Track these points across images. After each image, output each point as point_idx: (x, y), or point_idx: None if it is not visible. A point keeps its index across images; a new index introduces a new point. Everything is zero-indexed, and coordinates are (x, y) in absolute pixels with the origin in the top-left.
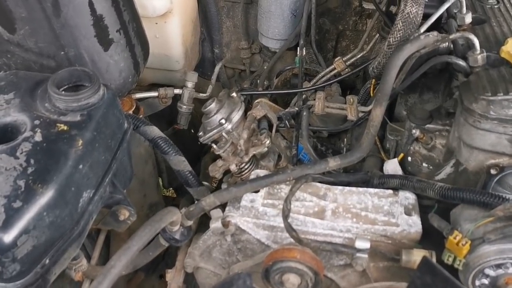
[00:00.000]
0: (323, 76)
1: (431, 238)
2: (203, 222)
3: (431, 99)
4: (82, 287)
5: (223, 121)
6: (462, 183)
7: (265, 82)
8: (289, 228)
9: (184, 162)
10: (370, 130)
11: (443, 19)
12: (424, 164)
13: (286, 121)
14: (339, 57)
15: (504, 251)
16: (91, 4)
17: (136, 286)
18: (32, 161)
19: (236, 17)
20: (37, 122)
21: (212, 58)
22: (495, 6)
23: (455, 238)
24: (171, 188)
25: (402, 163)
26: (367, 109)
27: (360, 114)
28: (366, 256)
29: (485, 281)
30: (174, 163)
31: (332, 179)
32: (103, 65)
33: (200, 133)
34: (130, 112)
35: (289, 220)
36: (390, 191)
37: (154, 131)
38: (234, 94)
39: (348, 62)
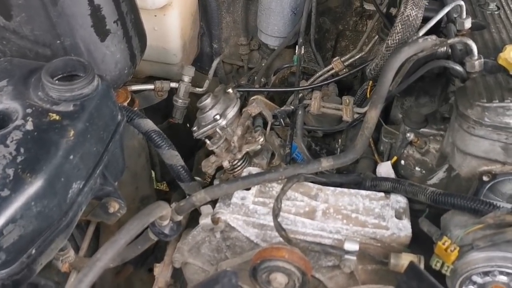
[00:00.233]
0: (320, 76)
1: (420, 242)
2: (194, 217)
3: (427, 103)
4: (69, 278)
5: (217, 116)
6: (454, 188)
7: (262, 79)
8: (279, 227)
9: (177, 157)
10: (365, 132)
11: (442, 23)
12: (417, 168)
13: (281, 120)
14: (337, 57)
15: (492, 259)
16: None
17: (124, 279)
18: (22, 150)
19: (236, 12)
20: (29, 110)
21: (210, 52)
22: (496, 12)
23: (444, 243)
24: (164, 182)
25: (395, 166)
26: (362, 110)
27: (356, 116)
28: (354, 258)
29: None
30: (167, 157)
31: (325, 179)
32: (99, 55)
33: (194, 128)
34: (125, 104)
35: (279, 219)
36: (382, 194)
37: (148, 124)
38: (230, 90)
39: (346, 63)
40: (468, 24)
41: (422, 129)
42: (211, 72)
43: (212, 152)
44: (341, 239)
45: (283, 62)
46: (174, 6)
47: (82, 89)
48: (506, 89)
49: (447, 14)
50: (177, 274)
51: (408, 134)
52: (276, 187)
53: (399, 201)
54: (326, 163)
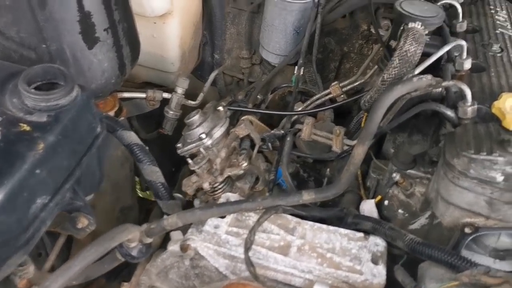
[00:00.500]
0: (317, 99)
1: None
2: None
3: (419, 141)
4: None
5: (203, 135)
6: (435, 237)
7: (258, 97)
8: (248, 262)
9: (157, 173)
10: (350, 168)
11: (442, 61)
12: (400, 211)
13: (269, 143)
14: (336, 82)
15: None
16: (79, 0)
17: None
18: None
19: (241, 24)
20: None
21: (212, 62)
22: (498, 55)
23: None
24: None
25: (379, 205)
26: (352, 143)
27: (345, 147)
28: None
29: None
30: (147, 173)
31: (304, 213)
32: (86, 63)
33: (179, 145)
34: (112, 112)
35: (252, 252)
36: (361, 235)
37: (131, 136)
38: (220, 108)
39: (345, 88)
40: (467, 65)
41: (409, 170)
42: (207, 85)
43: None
44: (313, 279)
45: (285, 79)
46: (174, 15)
47: (58, 99)
48: (495, 141)
49: (448, 52)
50: None
51: (394, 174)
52: (253, 217)
53: (378, 244)
54: (307, 196)
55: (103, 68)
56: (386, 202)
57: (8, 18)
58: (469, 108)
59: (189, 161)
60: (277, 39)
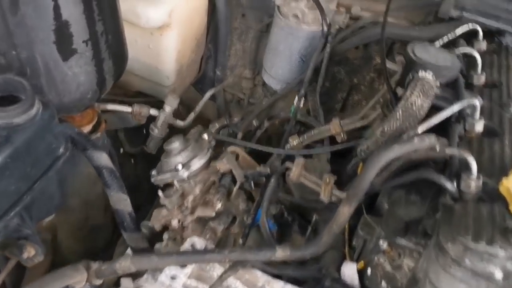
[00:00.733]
0: (314, 135)
1: None
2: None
3: (417, 203)
4: None
5: (179, 166)
6: None
7: (254, 123)
8: None
9: (125, 201)
10: (333, 227)
11: (452, 118)
12: (383, 284)
13: (251, 182)
14: (337, 119)
15: None
16: (56, 8)
17: None
18: None
19: (247, 42)
20: None
21: (213, 77)
22: None
23: None
24: None
25: (361, 272)
26: (341, 195)
27: (333, 198)
28: None
29: None
30: (114, 200)
31: (276, 271)
32: (58, 75)
33: (153, 172)
34: (90, 126)
35: None
36: None
37: (101, 158)
38: (205, 136)
39: (345, 128)
40: (479, 127)
41: (399, 239)
42: (200, 104)
43: None
44: None
45: (288, 103)
46: (173, 28)
47: (13, 117)
48: (498, 229)
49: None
50: None
51: (381, 242)
52: (219, 268)
53: None
54: (281, 253)
55: (79, 82)
56: (369, 271)
57: None
58: (473, 182)
59: (160, 193)
60: (280, 64)
